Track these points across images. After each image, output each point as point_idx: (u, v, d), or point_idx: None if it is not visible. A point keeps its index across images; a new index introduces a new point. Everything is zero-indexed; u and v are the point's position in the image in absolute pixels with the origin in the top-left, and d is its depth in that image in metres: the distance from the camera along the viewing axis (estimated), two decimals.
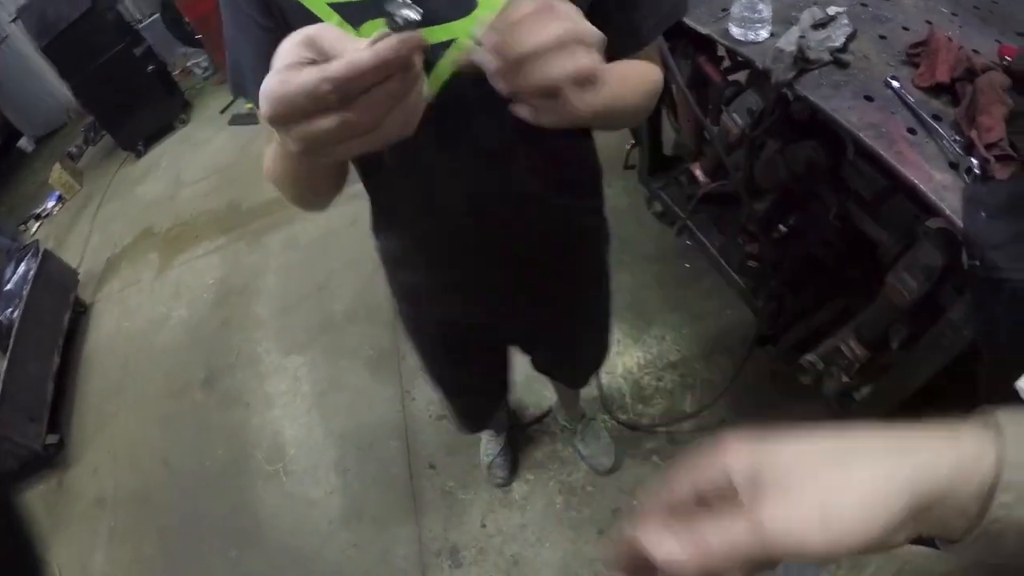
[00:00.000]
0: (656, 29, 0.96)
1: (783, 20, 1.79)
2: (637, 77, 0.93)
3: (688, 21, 1.90)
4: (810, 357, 2.01)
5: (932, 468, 0.48)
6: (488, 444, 2.39)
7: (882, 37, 1.76)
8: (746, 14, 1.76)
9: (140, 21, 6.28)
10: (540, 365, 1.75)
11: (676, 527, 0.48)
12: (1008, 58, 1.58)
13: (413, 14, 0.54)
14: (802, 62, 1.62)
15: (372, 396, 2.70)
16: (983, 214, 1.39)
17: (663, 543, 0.47)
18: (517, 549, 2.22)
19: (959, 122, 1.49)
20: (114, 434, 3.08)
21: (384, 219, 1.19)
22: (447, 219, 1.08)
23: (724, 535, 0.45)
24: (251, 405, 2.92)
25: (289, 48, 0.55)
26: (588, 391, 2.39)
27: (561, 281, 1.32)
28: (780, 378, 2.29)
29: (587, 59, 0.58)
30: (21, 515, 1.37)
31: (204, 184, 4.57)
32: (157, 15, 6.20)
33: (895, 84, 1.59)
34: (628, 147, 2.93)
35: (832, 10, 1.71)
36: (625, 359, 2.53)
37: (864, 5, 1.81)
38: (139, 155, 5.37)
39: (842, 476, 0.48)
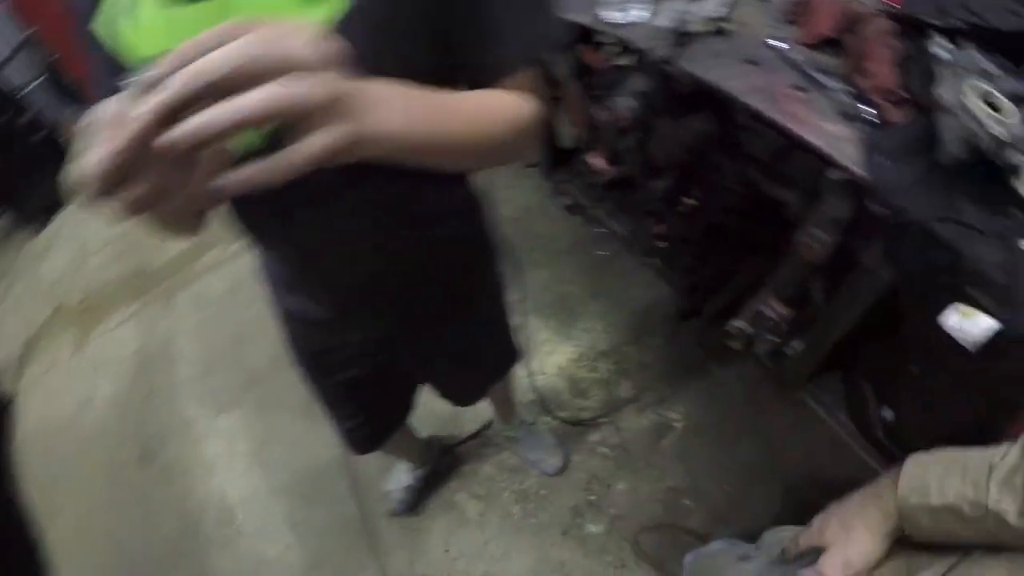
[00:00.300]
0: (520, 60, 0.80)
1: None
2: (484, 110, 0.76)
3: (563, 13, 1.74)
4: (736, 323, 1.88)
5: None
6: (398, 475, 2.20)
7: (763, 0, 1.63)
8: None
9: (23, 88, 5.76)
10: (441, 391, 1.57)
11: None
12: (894, 4, 1.46)
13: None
14: (681, 37, 1.47)
15: (309, 442, 2.48)
16: (885, 160, 1.27)
17: None
18: (485, 568, 2.05)
19: (848, 73, 1.36)
20: (59, 530, 2.76)
21: (258, 250, 1.07)
22: (312, 257, 0.98)
23: None
24: (191, 473, 2.65)
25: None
26: (525, 394, 2.22)
27: (444, 306, 1.18)
28: (711, 347, 2.18)
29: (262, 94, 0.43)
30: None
31: (109, 250, 4.21)
32: (41, 78, 5.70)
33: (778, 45, 1.45)
34: None
35: None
36: (556, 357, 2.38)
37: None
38: (40, 229, 4.90)
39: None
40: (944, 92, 1.23)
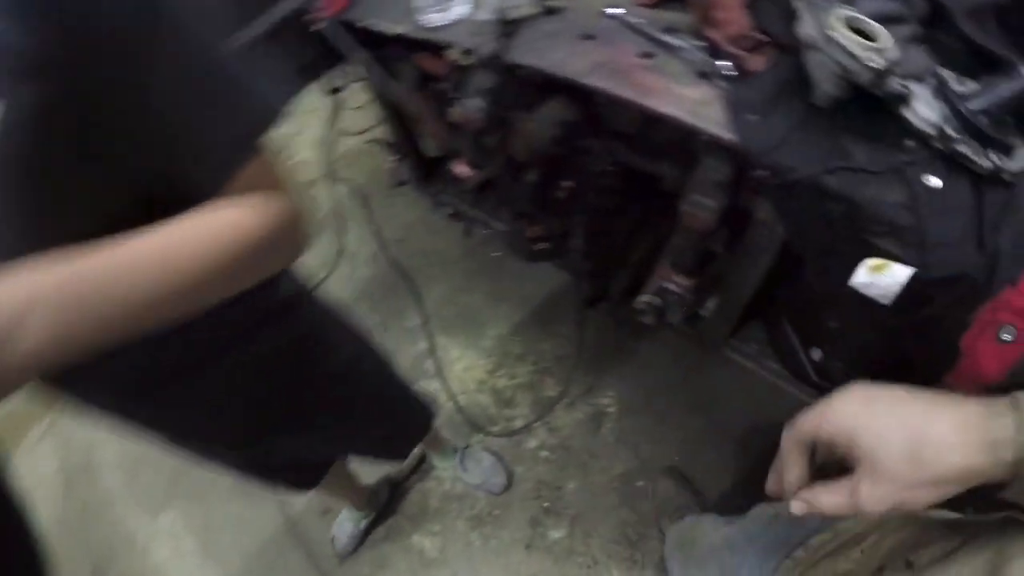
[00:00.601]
0: (232, 162, 0.61)
1: None
2: (181, 250, 0.57)
3: (380, 25, 1.45)
4: (643, 298, 1.65)
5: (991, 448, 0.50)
6: (343, 522, 1.93)
7: None
8: None
9: None
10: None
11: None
12: None
13: None
14: (507, 26, 1.21)
15: (250, 518, 2.17)
16: (752, 116, 1.04)
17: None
18: None
19: (697, 26, 1.13)
20: None
21: None
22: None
23: (832, 501, 0.56)
24: None
25: None
26: (451, 418, 1.98)
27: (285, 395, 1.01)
28: (625, 324, 1.96)
29: None
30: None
31: None
32: None
33: (616, 12, 1.21)
34: (392, 162, 2.45)
35: None
36: (474, 371, 2.11)
37: None
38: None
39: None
40: (806, 27, 1.00)
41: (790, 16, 1.06)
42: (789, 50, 1.07)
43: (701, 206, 1.24)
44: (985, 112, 0.95)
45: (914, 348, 1.10)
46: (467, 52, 1.27)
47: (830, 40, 0.94)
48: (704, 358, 1.93)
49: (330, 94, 1.75)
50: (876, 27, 0.95)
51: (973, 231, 0.94)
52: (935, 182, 0.96)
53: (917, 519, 0.76)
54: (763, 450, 1.82)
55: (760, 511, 1.13)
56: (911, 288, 0.98)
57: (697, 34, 1.15)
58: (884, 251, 0.98)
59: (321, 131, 2.55)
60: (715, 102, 1.06)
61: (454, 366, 2.10)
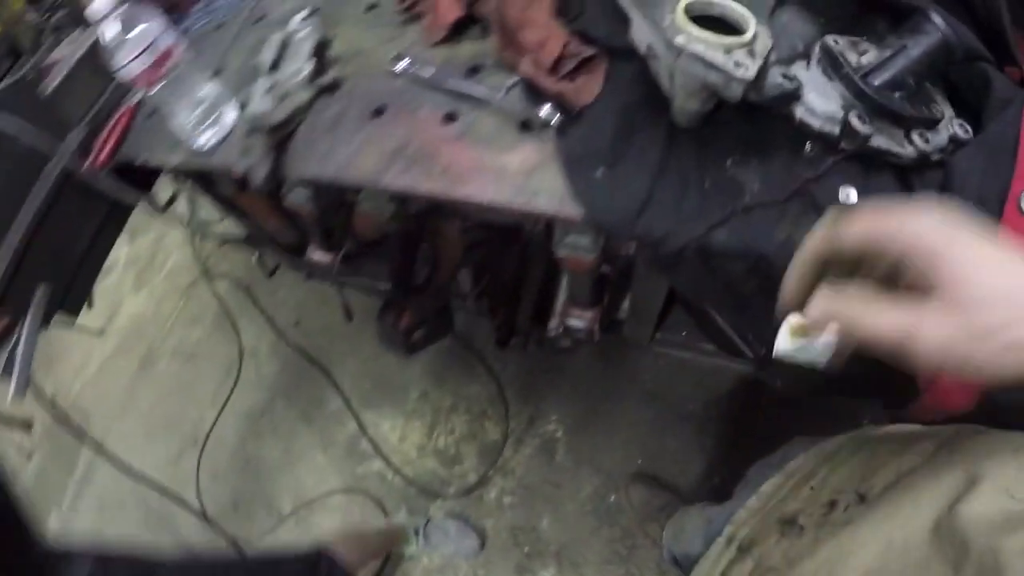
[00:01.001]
0: None
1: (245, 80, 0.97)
2: None
3: (155, 160, 1.04)
4: (552, 325, 1.34)
5: None
6: None
7: (370, 8, 1.00)
8: (194, 115, 0.94)
9: None
10: None
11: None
12: None
13: None
14: (268, 134, 0.83)
15: None
16: (597, 171, 0.70)
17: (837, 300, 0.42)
18: None
19: (504, 59, 0.78)
20: None
21: None
22: None
23: (889, 316, 0.39)
24: None
25: None
26: (402, 492, 1.66)
27: None
28: (547, 346, 1.63)
29: None
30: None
31: None
32: None
33: (403, 67, 0.84)
34: (255, 259, 2.06)
35: (295, 23, 0.94)
36: (411, 438, 1.76)
37: None
38: None
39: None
40: (640, 33, 0.67)
41: (617, 14, 0.72)
42: (625, 55, 0.73)
43: (579, 246, 0.92)
44: (895, 84, 0.64)
45: (864, 387, 0.80)
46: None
47: (678, 50, 0.60)
48: (635, 356, 1.65)
49: (165, 208, 1.35)
50: (734, 9, 0.62)
51: None
52: (851, 196, 0.65)
53: (867, 441, 0.66)
54: (721, 425, 1.59)
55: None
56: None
57: (509, 67, 0.80)
58: None
59: (183, 231, 2.13)
60: (546, 164, 0.71)
61: (389, 439, 1.75)
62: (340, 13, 1.03)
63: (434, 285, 1.18)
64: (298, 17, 1.04)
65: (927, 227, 0.40)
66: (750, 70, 0.58)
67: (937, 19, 0.61)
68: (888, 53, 0.64)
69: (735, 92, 0.60)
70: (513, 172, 0.71)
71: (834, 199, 0.65)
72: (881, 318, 0.40)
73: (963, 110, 0.67)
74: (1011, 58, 0.70)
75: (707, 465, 1.57)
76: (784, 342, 0.70)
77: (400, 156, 0.77)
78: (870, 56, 0.66)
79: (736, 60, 0.59)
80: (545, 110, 0.72)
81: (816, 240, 0.45)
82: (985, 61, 0.66)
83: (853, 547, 0.53)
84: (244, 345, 1.99)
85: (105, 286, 2.23)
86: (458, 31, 0.87)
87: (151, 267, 2.33)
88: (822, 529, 0.60)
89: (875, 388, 0.74)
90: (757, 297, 0.69)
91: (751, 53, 0.60)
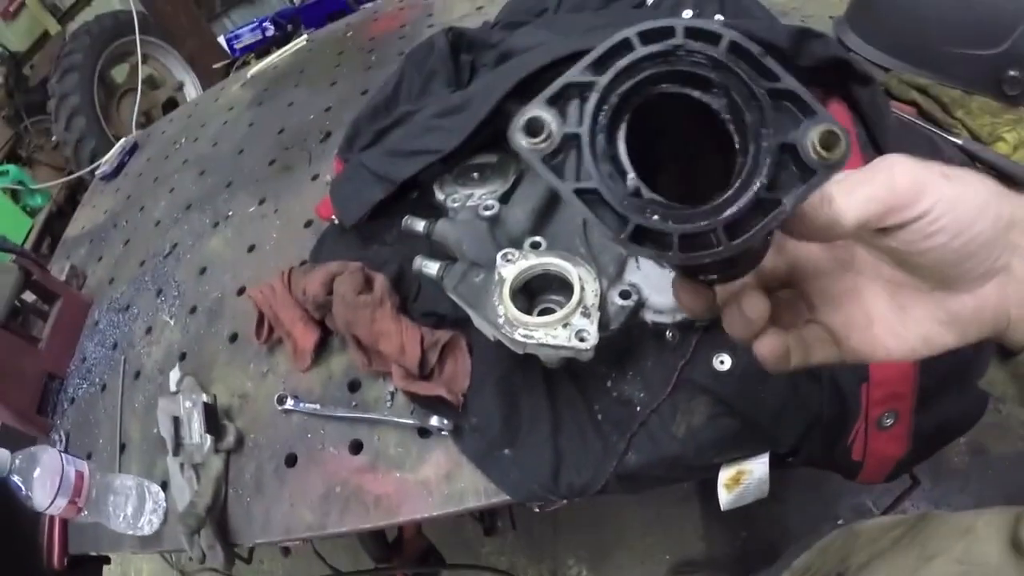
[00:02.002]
0: None
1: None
2: None
3: (106, 550, 1.03)
4: None
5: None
6: None
7: (232, 339, 1.03)
8: (127, 510, 0.95)
9: None
10: None
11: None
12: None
13: None
14: (206, 519, 0.85)
15: None
16: (506, 452, 0.75)
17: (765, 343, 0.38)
18: None
19: (374, 372, 0.83)
20: None
21: None
22: None
23: (819, 357, 0.38)
24: None
25: None
26: None
27: None
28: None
29: None
30: None
31: None
32: None
33: (290, 404, 0.88)
34: None
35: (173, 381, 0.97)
36: None
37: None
38: None
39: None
40: (484, 328, 0.72)
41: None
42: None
43: None
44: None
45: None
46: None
47: (523, 344, 0.66)
48: None
49: None
50: (554, 265, 0.68)
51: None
52: (726, 362, 0.72)
53: (853, 533, 0.72)
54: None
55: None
56: (777, 462, 0.76)
57: (380, 375, 0.85)
58: (730, 460, 0.75)
59: None
60: (459, 465, 0.76)
61: None
62: (208, 352, 1.06)
63: (407, 537, 1.19)
64: (174, 378, 1.07)
65: (915, 171, 0.34)
66: (591, 336, 0.64)
67: None
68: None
69: (588, 356, 0.66)
70: (435, 484, 0.75)
71: (712, 371, 0.72)
72: (857, 190, 0.33)
73: None
74: None
75: (726, 528, 1.60)
76: (725, 497, 0.77)
77: (331, 501, 0.80)
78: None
79: (577, 330, 0.64)
80: (435, 421, 0.76)
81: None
82: None
83: None
84: None
85: None
86: (320, 348, 0.92)
87: None
88: None
89: (824, 467, 0.80)
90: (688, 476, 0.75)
91: (586, 313, 0.66)
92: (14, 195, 2.56)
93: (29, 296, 1.29)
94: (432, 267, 0.75)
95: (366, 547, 1.13)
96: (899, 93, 0.95)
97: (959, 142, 0.86)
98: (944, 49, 0.92)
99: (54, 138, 2.98)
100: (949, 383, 0.72)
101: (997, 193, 0.35)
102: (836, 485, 1.49)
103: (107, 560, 1.21)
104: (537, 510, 0.79)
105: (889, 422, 0.73)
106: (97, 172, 1.86)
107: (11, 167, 2.66)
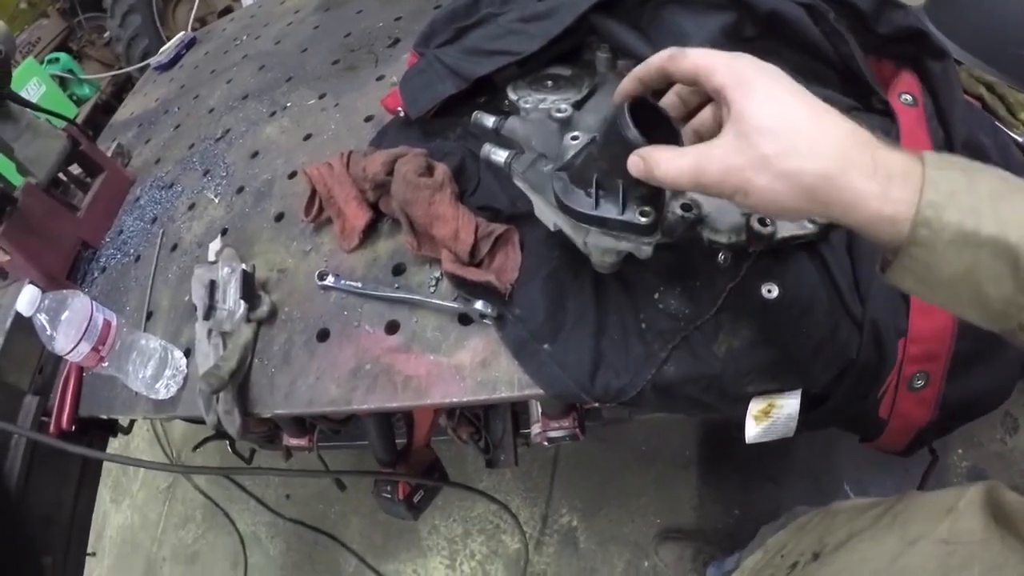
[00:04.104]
0: None
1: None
2: None
3: (118, 413, 1.04)
4: (534, 432, 1.36)
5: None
6: None
7: (278, 218, 1.02)
8: (147, 371, 0.95)
9: None
10: None
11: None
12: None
13: None
14: (228, 383, 0.85)
15: None
16: (545, 346, 0.75)
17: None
18: None
19: (424, 256, 0.82)
20: None
21: None
22: None
23: (674, 162, 0.44)
24: None
25: None
26: None
27: None
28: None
29: None
30: None
31: None
32: None
33: (330, 281, 0.88)
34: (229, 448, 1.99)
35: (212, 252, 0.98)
36: (435, 575, 1.74)
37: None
38: None
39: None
40: (545, 215, 0.71)
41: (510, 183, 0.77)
42: (532, 217, 0.78)
43: None
44: None
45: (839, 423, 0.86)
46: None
47: (585, 231, 0.66)
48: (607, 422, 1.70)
49: (128, 430, 1.31)
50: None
51: (838, 311, 0.71)
52: (774, 291, 0.72)
53: (831, 512, 0.73)
54: (722, 463, 1.63)
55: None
56: (807, 406, 0.75)
57: (429, 260, 0.85)
58: (763, 391, 0.74)
59: (148, 435, 2.08)
60: (496, 353, 0.76)
61: None
62: (251, 229, 1.06)
63: (415, 447, 1.20)
64: (213, 248, 1.07)
65: (733, 66, 0.43)
66: (651, 216, 0.62)
67: None
68: None
69: (647, 253, 0.65)
70: (469, 369, 0.75)
71: (759, 297, 0.71)
72: (670, 162, 0.44)
73: None
74: (872, 91, 0.79)
75: (721, 502, 1.61)
76: (752, 429, 0.76)
77: (359, 377, 0.80)
78: None
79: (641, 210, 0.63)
80: (479, 305, 0.76)
81: (658, 57, 0.49)
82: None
83: None
84: (242, 533, 1.94)
85: None
86: (369, 230, 0.92)
87: (124, 477, 2.26)
88: None
89: (848, 425, 0.80)
90: (719, 406, 0.74)
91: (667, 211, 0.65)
92: (62, 83, 2.56)
93: (75, 169, 1.30)
94: (501, 154, 0.74)
95: (374, 448, 1.13)
96: (967, 86, 0.95)
97: (1019, 139, 0.86)
98: (1018, 51, 0.92)
99: (107, 34, 2.98)
100: (982, 354, 0.70)
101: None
102: (836, 475, 1.49)
103: (113, 432, 1.22)
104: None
105: (920, 383, 0.72)
106: (151, 62, 1.86)
107: (62, 54, 2.67)
